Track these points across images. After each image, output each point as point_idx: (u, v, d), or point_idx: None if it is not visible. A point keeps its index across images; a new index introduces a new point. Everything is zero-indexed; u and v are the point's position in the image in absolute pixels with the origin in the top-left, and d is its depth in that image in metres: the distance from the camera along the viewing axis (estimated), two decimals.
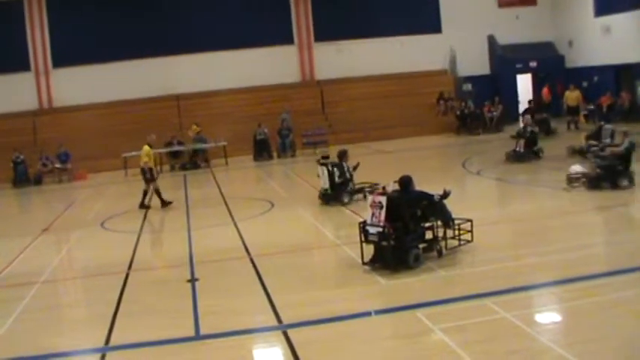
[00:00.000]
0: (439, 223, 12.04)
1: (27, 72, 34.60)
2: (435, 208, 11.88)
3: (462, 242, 12.26)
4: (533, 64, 38.06)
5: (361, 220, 12.16)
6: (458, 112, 34.56)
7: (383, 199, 11.42)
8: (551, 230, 13.97)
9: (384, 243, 11.32)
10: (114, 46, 34.42)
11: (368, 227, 11.59)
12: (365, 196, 17.79)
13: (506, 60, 37.68)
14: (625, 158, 16.96)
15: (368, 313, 9.50)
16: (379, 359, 8.16)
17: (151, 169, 20.26)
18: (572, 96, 32.22)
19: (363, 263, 11.60)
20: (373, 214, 11.50)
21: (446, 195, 12.09)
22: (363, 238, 11.72)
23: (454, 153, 28.95)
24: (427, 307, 9.44)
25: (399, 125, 34.15)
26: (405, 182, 11.87)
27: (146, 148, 20.33)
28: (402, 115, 34.64)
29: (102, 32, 34.36)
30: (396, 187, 11.94)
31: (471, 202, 17.36)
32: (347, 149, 19.16)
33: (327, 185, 18.09)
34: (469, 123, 34.09)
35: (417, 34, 37.38)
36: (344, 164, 18.17)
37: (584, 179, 17.08)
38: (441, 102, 35.93)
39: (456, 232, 12.23)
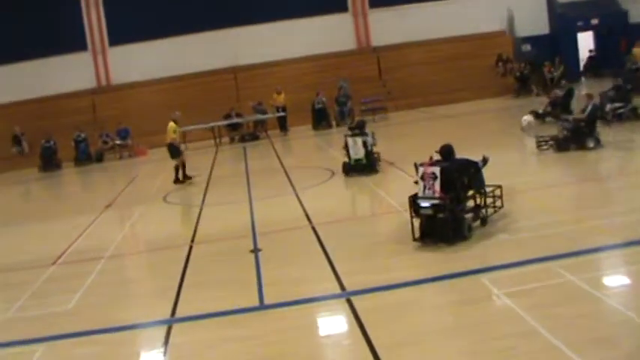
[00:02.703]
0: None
1: (84, 51, 35.18)
2: (478, 175, 11.54)
3: (495, 208, 11.95)
4: (594, 21, 36.96)
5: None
6: (517, 74, 33.92)
7: (436, 170, 10.89)
8: (611, 192, 13.70)
9: (441, 215, 10.86)
10: (169, 21, 34.67)
11: (419, 200, 11.02)
12: None
13: (566, 18, 36.69)
14: (589, 122, 17.61)
15: (431, 279, 9.43)
16: (445, 325, 8.09)
17: (178, 145, 20.65)
18: None
19: (414, 239, 11.08)
20: (425, 186, 10.97)
21: (485, 161, 11.71)
22: (413, 213, 11.17)
23: (513, 115, 28.37)
24: (491, 271, 9.34)
25: (457, 89, 33.62)
26: (448, 151, 11.44)
27: (172, 124, 20.53)
28: (461, 78, 34.09)
29: (156, 8, 34.62)
30: (438, 157, 11.51)
31: (531, 166, 17.18)
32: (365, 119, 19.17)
33: (360, 155, 17.84)
34: (529, 85, 33.42)
35: None
36: (369, 133, 18.06)
37: (552, 142, 17.79)
38: (500, 64, 35.36)
39: (490, 199, 11.85)
